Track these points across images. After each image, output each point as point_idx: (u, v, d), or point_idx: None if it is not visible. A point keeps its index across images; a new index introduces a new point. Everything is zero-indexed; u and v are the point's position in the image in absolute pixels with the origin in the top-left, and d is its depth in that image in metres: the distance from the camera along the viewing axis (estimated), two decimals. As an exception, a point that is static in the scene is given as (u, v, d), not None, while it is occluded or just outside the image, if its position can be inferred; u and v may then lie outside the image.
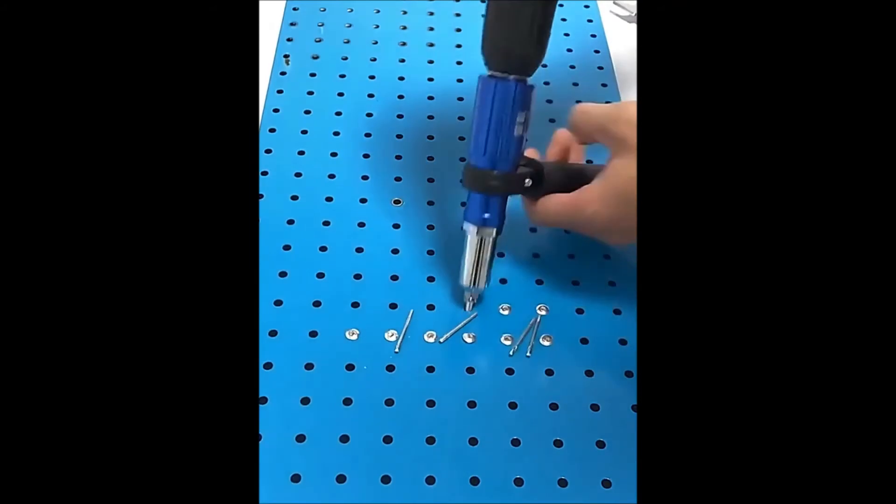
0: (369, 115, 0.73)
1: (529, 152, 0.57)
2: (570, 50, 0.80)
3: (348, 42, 0.80)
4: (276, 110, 0.72)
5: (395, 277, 0.61)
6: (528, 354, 0.57)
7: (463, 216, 0.56)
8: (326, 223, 0.64)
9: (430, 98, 0.75)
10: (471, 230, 0.56)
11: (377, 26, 0.82)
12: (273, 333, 0.57)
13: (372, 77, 0.76)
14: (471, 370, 0.56)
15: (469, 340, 0.58)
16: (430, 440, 0.52)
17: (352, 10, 0.83)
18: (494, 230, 0.56)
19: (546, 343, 0.58)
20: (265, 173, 0.67)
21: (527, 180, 0.55)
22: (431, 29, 0.82)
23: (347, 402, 0.54)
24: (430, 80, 0.76)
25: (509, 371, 0.56)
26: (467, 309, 0.59)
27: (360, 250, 0.62)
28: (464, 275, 0.57)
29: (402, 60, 0.78)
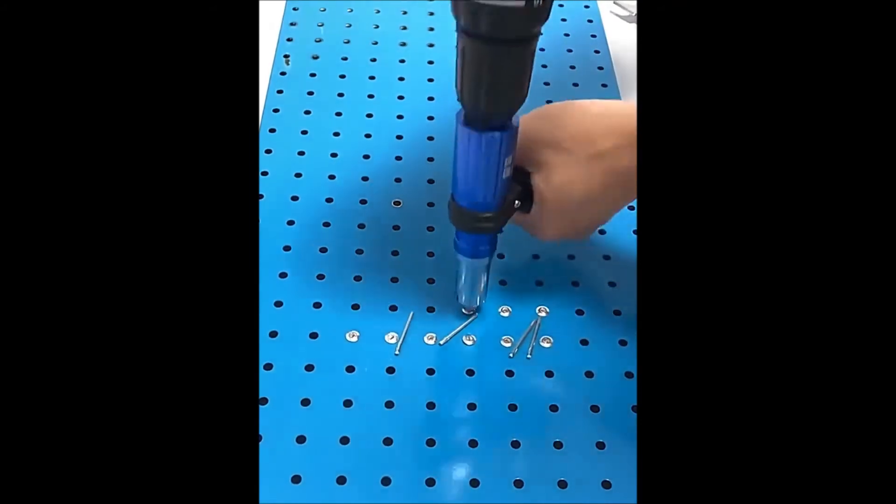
0: (369, 115, 0.73)
1: None
2: (570, 50, 0.80)
3: (348, 42, 0.80)
4: (276, 110, 0.72)
5: (395, 279, 0.61)
6: (528, 356, 0.57)
7: (454, 247, 0.55)
8: (326, 224, 0.64)
9: (431, 99, 0.75)
10: (465, 260, 0.55)
11: (377, 26, 0.82)
12: (273, 334, 0.57)
13: (372, 77, 0.76)
14: (471, 372, 0.56)
15: (469, 343, 0.57)
16: (431, 442, 0.52)
17: (352, 11, 0.83)
18: (488, 258, 0.55)
19: (546, 344, 0.58)
20: (265, 173, 0.67)
21: (516, 203, 0.53)
22: (431, 29, 0.82)
23: (348, 403, 0.54)
24: (430, 80, 0.76)
25: (509, 373, 0.56)
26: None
27: (360, 252, 0.62)
28: (461, 296, 0.57)
29: (402, 61, 0.78)
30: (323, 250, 0.62)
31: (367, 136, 0.71)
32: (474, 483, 0.50)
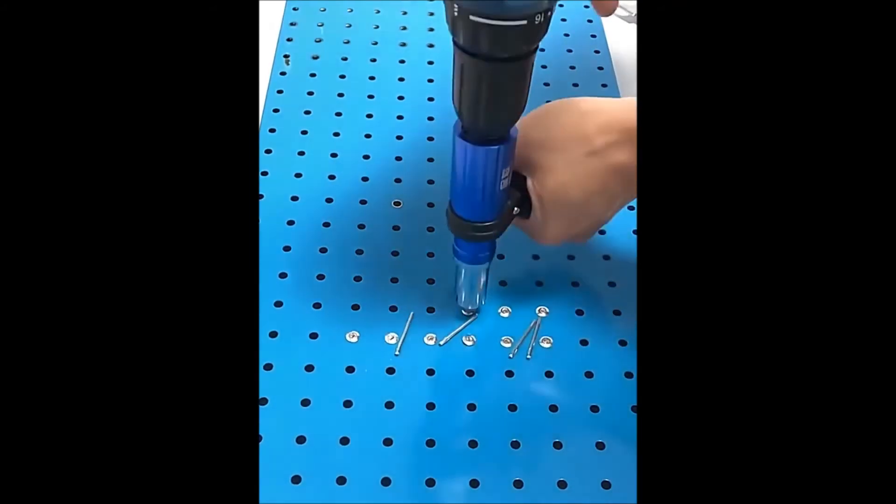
0: (369, 115, 0.73)
1: None
2: (570, 50, 0.80)
3: (348, 42, 0.80)
4: (276, 110, 0.72)
5: (395, 280, 0.61)
6: (528, 356, 0.57)
7: (453, 254, 0.55)
8: (326, 224, 0.64)
9: (431, 99, 0.75)
10: (464, 266, 0.55)
11: (377, 27, 0.82)
12: (273, 335, 0.57)
13: (372, 78, 0.76)
14: (471, 373, 0.56)
15: (469, 343, 0.57)
16: (430, 442, 0.52)
17: (352, 11, 0.83)
18: (487, 263, 0.55)
19: (546, 345, 0.58)
20: (265, 173, 0.67)
21: (514, 210, 0.53)
22: (431, 30, 0.82)
23: (347, 404, 0.54)
24: (430, 81, 0.76)
25: (509, 373, 0.56)
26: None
27: (360, 252, 0.62)
28: (460, 297, 0.57)
29: (402, 61, 0.78)
30: (323, 250, 0.62)
31: (367, 136, 0.71)
32: (474, 483, 0.50)
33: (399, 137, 0.71)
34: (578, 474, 0.51)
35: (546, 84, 0.76)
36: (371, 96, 0.75)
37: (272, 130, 0.71)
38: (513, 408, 0.54)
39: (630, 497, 0.50)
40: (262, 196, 0.65)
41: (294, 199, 0.66)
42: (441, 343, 0.57)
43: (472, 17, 0.40)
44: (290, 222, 0.64)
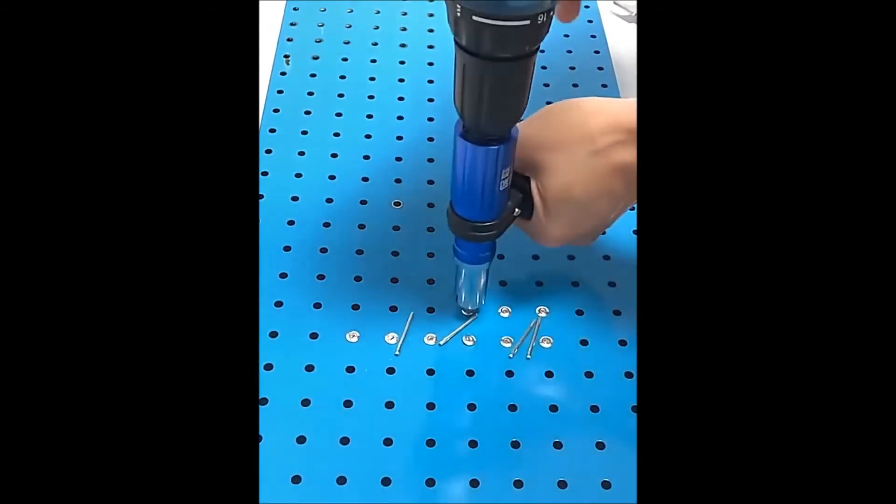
0: (369, 116, 0.73)
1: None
2: (569, 51, 0.80)
3: (348, 43, 0.80)
4: (276, 110, 0.72)
5: (395, 280, 0.61)
6: (528, 356, 0.57)
7: (454, 254, 0.55)
8: (327, 224, 0.64)
9: (431, 100, 0.75)
10: (464, 266, 0.55)
11: (377, 27, 0.82)
12: (273, 335, 0.57)
13: (372, 78, 0.76)
14: (471, 373, 0.56)
15: (469, 343, 0.57)
16: (430, 442, 0.52)
17: (352, 11, 0.83)
18: (487, 263, 0.55)
19: (546, 345, 0.58)
20: (265, 174, 0.67)
21: (516, 210, 0.53)
22: (431, 31, 0.82)
23: (348, 403, 0.54)
24: (430, 82, 0.76)
25: (509, 373, 0.56)
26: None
27: (360, 252, 0.62)
28: (460, 297, 0.57)
29: (402, 62, 0.78)
30: (323, 250, 0.62)
31: (367, 136, 0.71)
32: (474, 483, 0.50)
33: (399, 138, 0.71)
34: (578, 474, 0.51)
35: (546, 84, 0.76)
36: (371, 97, 0.75)
37: (272, 130, 0.71)
38: (513, 408, 0.54)
39: (630, 497, 0.50)
40: (262, 196, 0.65)
41: (294, 199, 0.66)
42: (441, 343, 0.57)
43: (474, 18, 0.40)
44: (290, 222, 0.64)
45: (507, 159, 0.49)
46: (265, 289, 0.59)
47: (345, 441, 0.52)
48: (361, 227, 0.64)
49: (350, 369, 0.55)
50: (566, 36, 0.82)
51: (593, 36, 0.82)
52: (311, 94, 0.74)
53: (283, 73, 0.76)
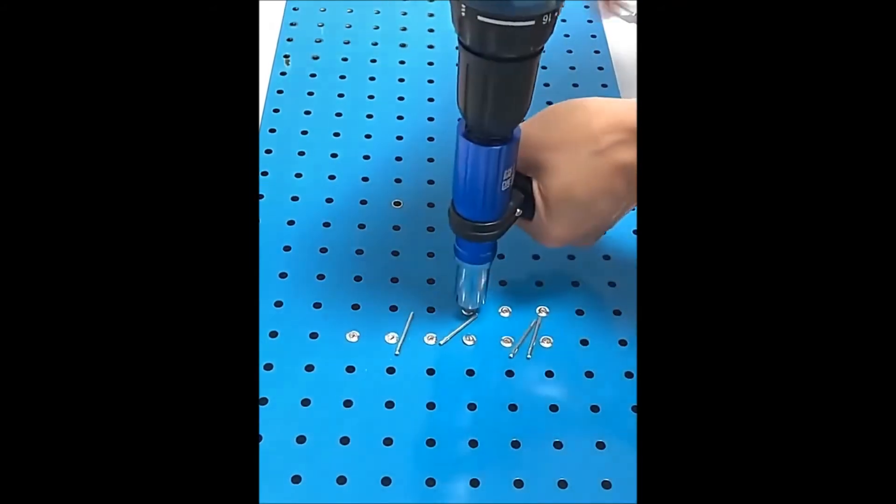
0: (369, 116, 0.73)
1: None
2: (570, 51, 0.80)
3: (348, 43, 0.80)
4: (276, 110, 0.72)
5: (395, 279, 0.61)
6: (528, 356, 0.57)
7: (455, 254, 0.55)
8: (327, 224, 0.64)
9: (430, 100, 0.75)
10: (465, 266, 0.55)
11: (377, 27, 0.82)
12: (273, 335, 0.57)
13: (372, 78, 0.76)
14: (471, 372, 0.56)
15: (469, 343, 0.57)
16: (431, 442, 0.52)
17: (352, 11, 0.83)
18: (488, 263, 0.55)
19: (546, 345, 0.58)
20: (265, 173, 0.67)
21: (517, 211, 0.53)
22: (431, 31, 0.82)
23: (348, 403, 0.54)
24: (430, 81, 0.76)
25: (509, 373, 0.56)
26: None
27: (360, 252, 0.62)
28: (460, 297, 0.57)
29: (402, 62, 0.78)
30: (323, 250, 0.62)
31: (367, 136, 0.71)
32: (474, 483, 0.50)
33: (399, 138, 0.71)
34: (578, 474, 0.51)
35: (546, 84, 0.76)
36: (371, 96, 0.75)
37: (272, 130, 0.71)
38: (513, 408, 0.54)
39: (630, 497, 0.50)
40: (262, 196, 0.65)
41: (294, 199, 0.66)
42: (441, 343, 0.57)
43: (479, 18, 0.40)
44: (290, 222, 0.64)
45: (509, 160, 0.49)
46: (265, 289, 0.59)
47: (345, 441, 0.52)
48: (361, 227, 0.64)
49: (350, 369, 0.55)
50: (566, 36, 0.82)
51: (593, 36, 0.83)
52: (311, 94, 0.74)
53: (283, 73, 0.76)
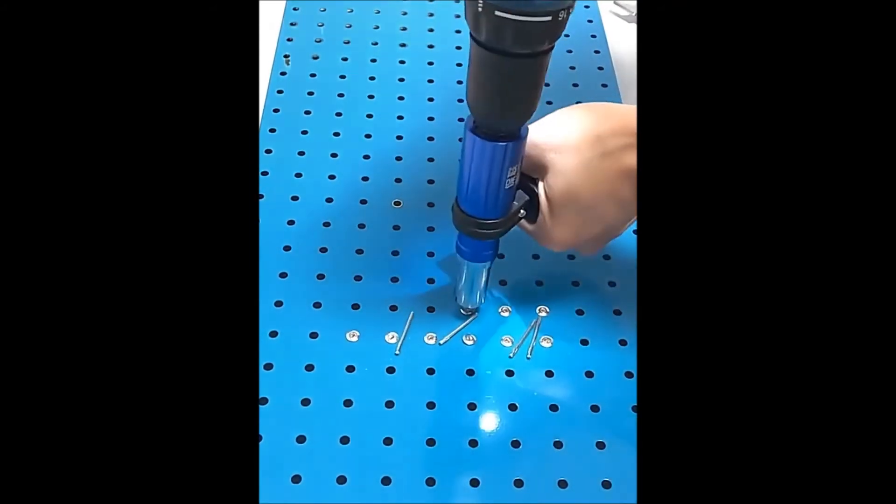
0: (369, 115, 0.73)
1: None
2: (570, 51, 0.80)
3: (348, 43, 0.80)
4: (276, 110, 0.73)
5: (395, 279, 0.61)
6: (528, 356, 0.57)
7: (456, 251, 0.55)
8: (327, 224, 0.64)
9: (430, 100, 0.75)
10: (467, 264, 0.55)
11: (377, 27, 0.82)
12: (273, 334, 0.57)
13: (372, 78, 0.76)
14: (471, 372, 0.56)
15: (469, 342, 0.57)
16: (431, 442, 0.52)
17: (352, 11, 0.83)
18: (489, 261, 0.55)
19: (546, 344, 0.58)
20: (265, 173, 0.67)
21: (521, 212, 0.53)
22: (431, 30, 0.82)
23: (348, 403, 0.54)
24: (430, 81, 0.76)
25: (509, 373, 0.56)
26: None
27: (360, 252, 0.62)
28: (460, 297, 0.57)
29: (403, 62, 0.78)
30: (323, 250, 0.62)
31: (367, 136, 0.71)
32: (474, 483, 0.50)
33: (399, 137, 0.71)
34: (578, 474, 0.51)
35: (546, 84, 0.76)
36: (371, 96, 0.75)
37: (272, 130, 0.71)
38: (513, 407, 0.54)
39: (630, 497, 0.50)
40: (262, 196, 0.65)
41: (294, 199, 0.66)
42: (441, 342, 0.57)
43: (497, 13, 0.40)
44: (290, 222, 0.64)
45: (515, 157, 0.49)
46: (265, 289, 0.59)
47: (345, 441, 0.52)
48: (361, 226, 0.64)
49: (350, 369, 0.55)
50: (566, 36, 0.82)
51: (593, 36, 0.83)
52: (311, 94, 0.74)
53: (283, 73, 0.76)
